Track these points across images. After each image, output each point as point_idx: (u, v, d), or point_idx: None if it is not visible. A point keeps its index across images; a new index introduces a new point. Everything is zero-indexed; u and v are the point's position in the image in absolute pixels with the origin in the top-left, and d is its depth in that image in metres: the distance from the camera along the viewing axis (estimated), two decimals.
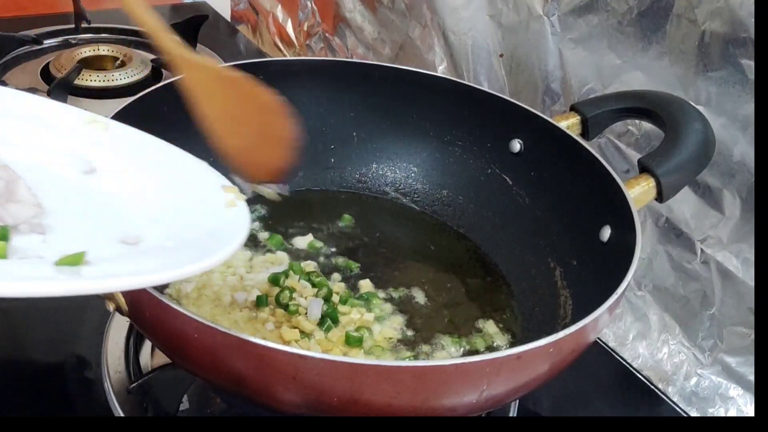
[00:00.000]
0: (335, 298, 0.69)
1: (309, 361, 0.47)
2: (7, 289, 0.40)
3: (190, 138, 0.77)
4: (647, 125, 0.76)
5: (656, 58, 0.76)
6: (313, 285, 0.70)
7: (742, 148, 0.70)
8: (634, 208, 0.62)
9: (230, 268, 0.71)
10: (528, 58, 0.90)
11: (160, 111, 0.73)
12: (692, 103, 0.71)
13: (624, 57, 0.79)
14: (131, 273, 0.45)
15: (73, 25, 1.33)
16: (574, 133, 0.73)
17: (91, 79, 1.13)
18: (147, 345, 0.71)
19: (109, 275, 0.45)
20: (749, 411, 0.74)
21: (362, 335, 0.65)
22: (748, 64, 0.68)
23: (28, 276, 0.44)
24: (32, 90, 1.12)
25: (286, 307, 0.66)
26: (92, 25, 1.33)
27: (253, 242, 0.76)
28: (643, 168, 0.66)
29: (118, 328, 0.72)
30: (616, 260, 0.60)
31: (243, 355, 0.48)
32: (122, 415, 0.64)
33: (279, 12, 1.42)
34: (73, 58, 1.17)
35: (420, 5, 1.05)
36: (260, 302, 0.66)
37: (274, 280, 0.69)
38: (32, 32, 1.28)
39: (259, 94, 0.60)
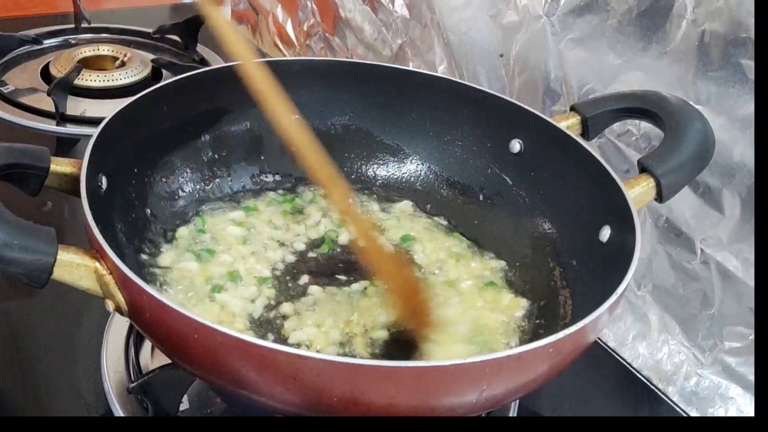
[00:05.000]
0: None
1: (309, 362, 0.47)
2: None
3: (190, 138, 0.78)
4: (647, 125, 0.76)
5: (656, 58, 0.76)
6: None
7: (742, 148, 0.70)
8: (634, 208, 0.62)
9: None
10: (528, 58, 0.90)
11: (160, 111, 0.74)
12: (692, 103, 0.71)
13: (624, 57, 0.79)
14: None
15: (73, 25, 1.33)
16: (574, 133, 0.72)
17: (91, 79, 1.13)
18: (147, 345, 0.71)
19: None
20: (749, 411, 0.74)
21: None
22: (748, 64, 0.68)
23: None
24: (32, 90, 1.13)
25: None
26: (92, 25, 1.33)
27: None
28: (643, 168, 0.66)
29: (118, 328, 0.72)
30: (615, 260, 0.60)
31: (243, 355, 0.48)
32: (122, 415, 0.64)
33: (279, 12, 1.42)
34: (73, 58, 1.17)
35: (420, 5, 1.05)
36: None
37: None
38: (32, 32, 1.28)
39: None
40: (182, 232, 0.74)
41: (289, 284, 0.71)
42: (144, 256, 0.69)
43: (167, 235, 0.73)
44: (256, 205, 0.80)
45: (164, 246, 0.72)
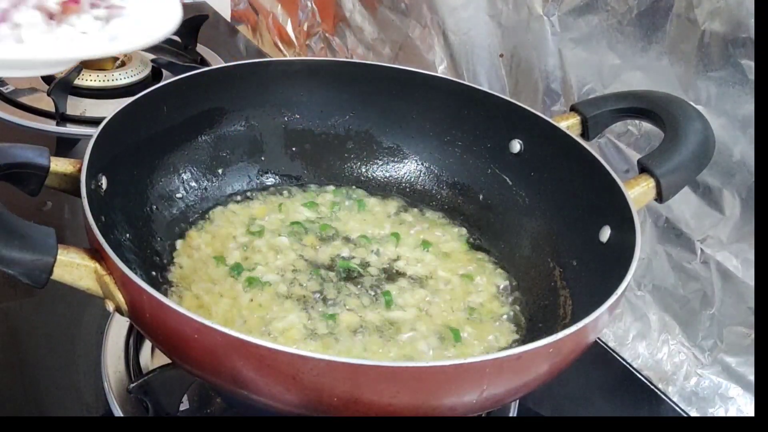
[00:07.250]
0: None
1: (309, 362, 0.47)
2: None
3: (190, 138, 0.78)
4: (647, 125, 0.76)
5: (656, 58, 0.76)
6: None
7: (742, 148, 0.70)
8: (634, 208, 0.62)
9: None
10: (528, 58, 0.90)
11: (160, 111, 0.74)
12: (692, 103, 0.71)
13: (624, 57, 0.79)
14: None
15: None
16: (574, 134, 0.73)
17: (91, 79, 1.13)
18: (147, 345, 0.71)
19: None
20: (749, 411, 0.74)
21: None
22: (748, 64, 0.68)
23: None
24: (32, 90, 1.13)
25: None
26: None
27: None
28: (643, 168, 0.66)
29: (118, 328, 0.72)
30: (615, 260, 0.60)
31: (243, 355, 0.48)
32: (122, 415, 0.64)
33: (279, 12, 1.42)
34: None
35: (420, 5, 1.05)
36: None
37: None
38: None
39: None
40: (183, 232, 0.74)
41: (292, 283, 0.71)
42: (144, 256, 0.69)
43: (167, 235, 0.73)
44: (256, 205, 0.80)
45: (164, 246, 0.72)
